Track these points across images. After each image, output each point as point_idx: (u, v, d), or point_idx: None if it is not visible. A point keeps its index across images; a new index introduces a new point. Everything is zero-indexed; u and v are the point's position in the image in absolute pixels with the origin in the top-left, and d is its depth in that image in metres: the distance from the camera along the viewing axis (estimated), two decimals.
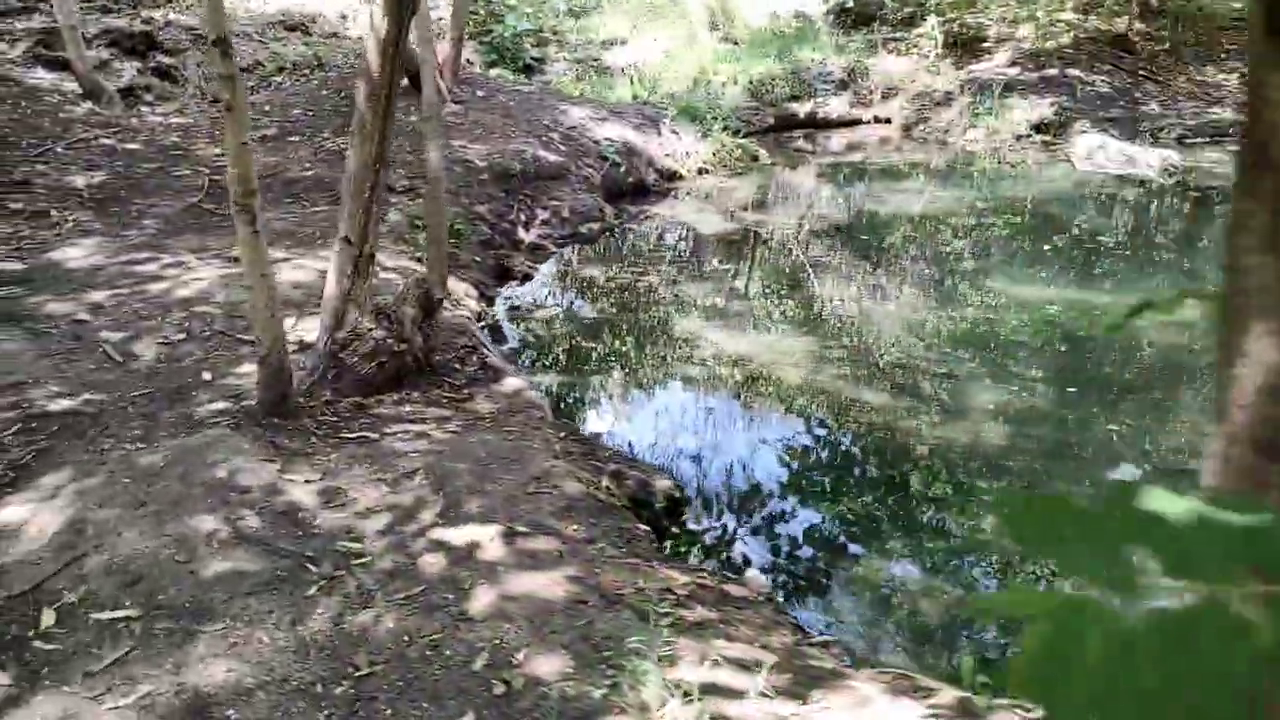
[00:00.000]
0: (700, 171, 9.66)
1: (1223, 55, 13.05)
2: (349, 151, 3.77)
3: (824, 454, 4.78)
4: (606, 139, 9.16)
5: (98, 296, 4.62)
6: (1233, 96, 11.40)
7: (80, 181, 6.34)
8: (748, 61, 12.37)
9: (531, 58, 13.27)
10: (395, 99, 3.70)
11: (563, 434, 3.92)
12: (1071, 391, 5.41)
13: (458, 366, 4.48)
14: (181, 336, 4.26)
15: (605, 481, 3.38)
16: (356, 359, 3.91)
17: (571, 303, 6.55)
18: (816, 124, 12.10)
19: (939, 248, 7.72)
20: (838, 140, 11.73)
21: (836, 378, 5.47)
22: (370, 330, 3.95)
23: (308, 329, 4.28)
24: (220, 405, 3.66)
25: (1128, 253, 7.56)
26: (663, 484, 3.64)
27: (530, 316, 6.22)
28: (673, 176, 9.42)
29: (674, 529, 3.62)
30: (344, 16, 12.44)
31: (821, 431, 4.97)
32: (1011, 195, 9.04)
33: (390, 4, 3.47)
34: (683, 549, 3.47)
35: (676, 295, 6.66)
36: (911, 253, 7.60)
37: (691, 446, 4.72)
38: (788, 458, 4.68)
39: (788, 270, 7.23)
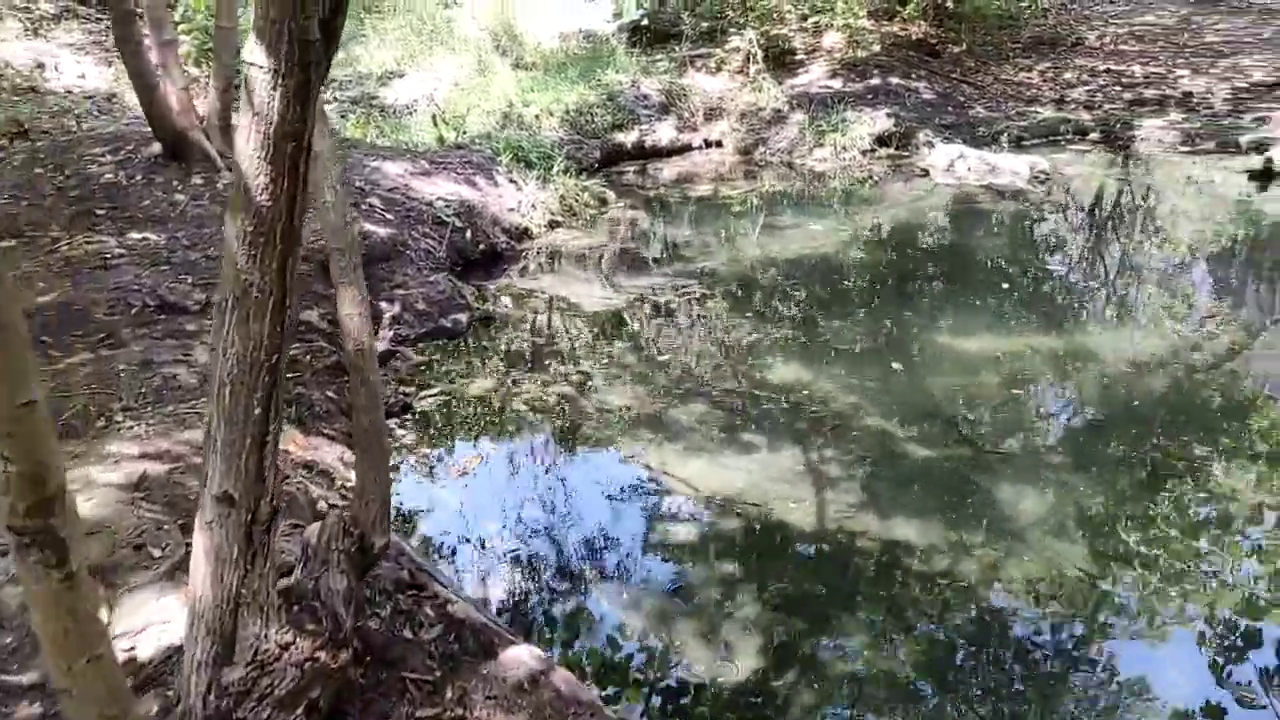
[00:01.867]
0: (551, 225, 8.13)
1: (1011, 54, 13.27)
2: (214, 342, 1.98)
3: (916, 662, 3.48)
4: (439, 199, 7.42)
5: None
6: (1043, 94, 11.44)
7: None
8: (557, 89, 10.96)
9: None
10: (299, 235, 1.97)
11: None
12: (1117, 464, 4.47)
13: (409, 634, 2.74)
14: None
15: None
16: (270, 710, 2.11)
17: (476, 447, 4.84)
18: (646, 153, 10.90)
19: (860, 297, 6.70)
20: (670, 170, 10.59)
21: (852, 509, 4.20)
22: (287, 647, 2.16)
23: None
24: None
25: (1062, 279, 6.91)
26: None
27: (435, 480, 4.46)
28: (523, 235, 7.83)
29: None
30: (41, 65, 9.68)
31: (894, 620, 3.66)
32: (890, 221, 8.25)
33: (290, 69, 1.75)
34: None
35: (602, 407, 5.13)
36: (834, 307, 6.52)
37: (765, 690, 3.26)
38: (886, 670, 3.34)
39: (711, 349, 5.90)
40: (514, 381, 5.36)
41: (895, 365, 5.42)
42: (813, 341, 5.85)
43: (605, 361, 5.71)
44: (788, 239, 7.80)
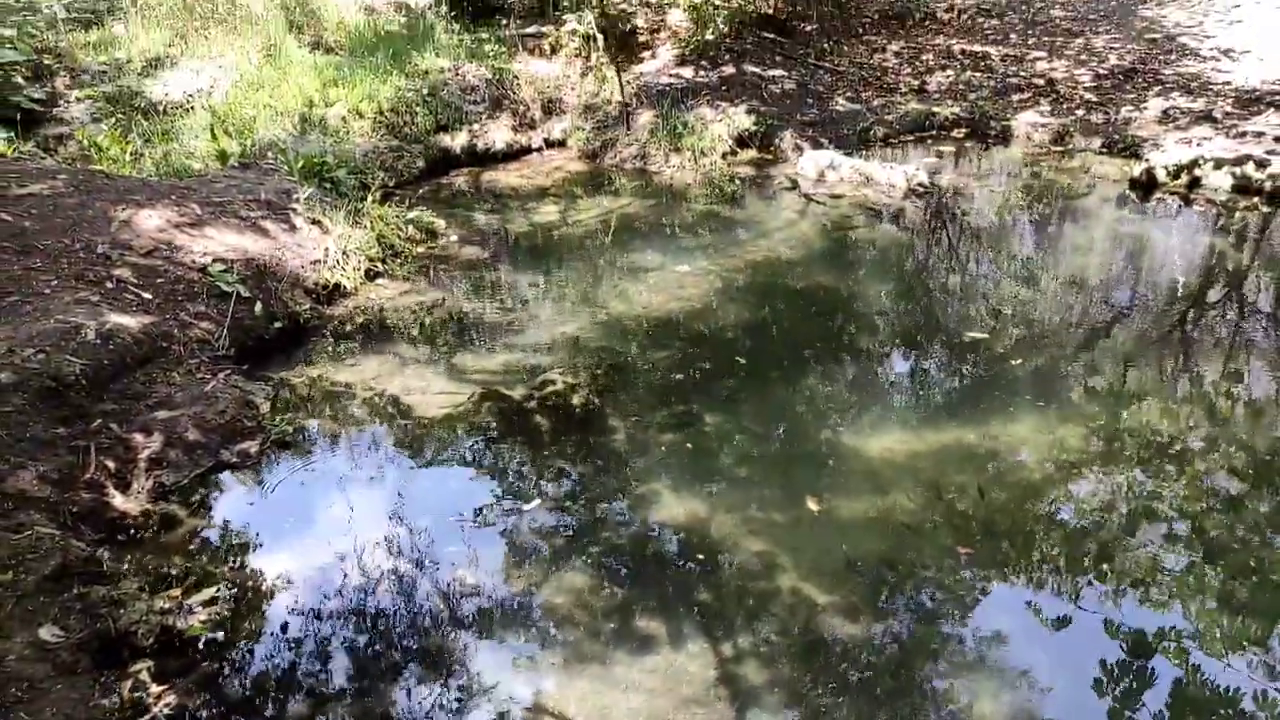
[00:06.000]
0: (370, 275, 6.66)
1: (860, 30, 12.51)
2: None
3: None
4: (216, 259, 5.83)
5: None
6: (903, 82, 10.71)
7: None
8: (366, 81, 9.29)
9: (32, 100, 8.98)
10: None
11: None
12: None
13: None
14: None
15: None
16: None
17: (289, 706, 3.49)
18: (478, 158, 9.46)
19: (744, 377, 5.66)
20: (508, 177, 9.22)
21: None
22: None
23: None
24: None
25: (959, 344, 6.11)
26: None
27: None
28: (333, 294, 6.34)
29: None
30: None
31: None
32: (763, 258, 7.24)
33: None
34: None
35: (450, 591, 3.91)
36: (716, 393, 5.47)
37: None
38: None
39: (583, 471, 4.73)
40: (324, 557, 4.03)
41: (793, 480, 4.42)
42: (700, 449, 4.78)
43: (447, 512, 4.44)
44: (651, 287, 6.67)
